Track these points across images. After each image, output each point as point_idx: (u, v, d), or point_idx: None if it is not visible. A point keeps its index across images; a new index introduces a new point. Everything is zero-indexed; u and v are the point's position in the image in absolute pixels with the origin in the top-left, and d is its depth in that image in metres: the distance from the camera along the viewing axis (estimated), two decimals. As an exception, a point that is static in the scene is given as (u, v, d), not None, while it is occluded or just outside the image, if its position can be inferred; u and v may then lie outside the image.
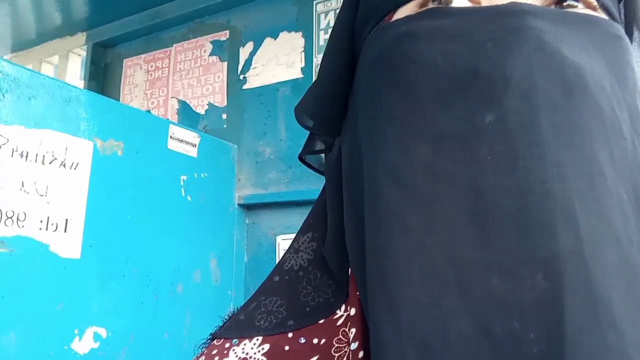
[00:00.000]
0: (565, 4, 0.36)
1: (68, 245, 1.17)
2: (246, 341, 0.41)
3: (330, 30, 1.68)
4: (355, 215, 0.38)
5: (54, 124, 1.14)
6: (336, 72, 0.43)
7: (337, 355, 0.40)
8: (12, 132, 1.05)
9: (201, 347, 0.44)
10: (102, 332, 1.25)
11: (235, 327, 0.43)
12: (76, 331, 1.18)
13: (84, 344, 1.19)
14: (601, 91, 0.32)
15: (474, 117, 0.31)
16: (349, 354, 0.39)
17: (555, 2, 0.36)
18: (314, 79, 0.52)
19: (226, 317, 0.46)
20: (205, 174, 1.59)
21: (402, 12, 0.38)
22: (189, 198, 1.52)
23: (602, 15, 0.37)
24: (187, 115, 1.99)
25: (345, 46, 0.42)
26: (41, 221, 1.11)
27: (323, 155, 0.51)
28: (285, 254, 0.47)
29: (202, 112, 1.95)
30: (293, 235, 0.47)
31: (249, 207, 1.75)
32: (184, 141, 1.52)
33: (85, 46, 2.38)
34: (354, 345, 0.37)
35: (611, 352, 0.27)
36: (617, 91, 0.34)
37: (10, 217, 1.05)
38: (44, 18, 2.28)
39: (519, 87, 0.31)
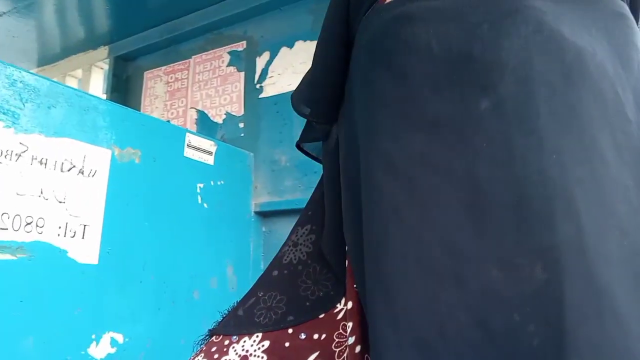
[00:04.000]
0: None
1: (86, 251, 1.19)
2: (246, 338, 0.41)
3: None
4: (352, 205, 0.38)
5: (72, 133, 1.16)
6: (330, 57, 0.41)
7: (337, 350, 0.39)
8: (32, 140, 1.08)
9: (199, 343, 0.44)
10: (119, 337, 1.26)
11: (234, 324, 0.43)
12: (93, 336, 1.20)
13: (100, 349, 1.21)
14: (603, 74, 0.31)
15: (468, 104, 0.30)
16: (347, 348, 0.38)
17: None
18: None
19: (225, 312, 0.45)
20: (222, 182, 1.61)
21: None
22: (205, 205, 1.54)
23: None
24: (205, 125, 2.01)
25: (339, 30, 0.41)
26: (60, 227, 1.14)
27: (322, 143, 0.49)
28: (283, 247, 0.46)
29: (220, 121, 1.97)
30: (310, 243, 0.46)
31: (265, 215, 1.76)
32: (201, 149, 1.54)
33: (107, 59, 2.43)
34: (350, 340, 0.37)
35: (615, 346, 0.26)
36: (621, 73, 0.32)
37: (30, 223, 1.08)
38: (67, 32, 2.34)
39: (515, 72, 0.30)
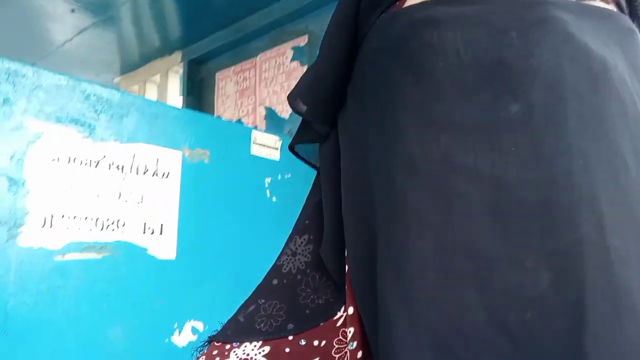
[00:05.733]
0: None
1: (164, 247, 1.29)
2: (247, 343, 0.42)
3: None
4: (356, 208, 0.38)
5: (144, 138, 1.26)
6: (337, 57, 0.41)
7: (337, 356, 0.39)
8: (108, 148, 1.17)
9: (199, 350, 0.44)
10: (200, 325, 1.35)
11: (235, 330, 0.43)
12: (175, 325, 1.29)
13: (183, 337, 1.30)
14: (624, 85, 0.32)
15: (498, 108, 0.30)
16: (348, 355, 0.38)
17: None
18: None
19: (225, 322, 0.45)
20: (289, 175, 1.66)
21: None
22: (274, 199, 1.60)
23: (614, 8, 0.36)
24: (273, 121, 2.08)
25: (348, 29, 0.40)
26: (139, 227, 1.23)
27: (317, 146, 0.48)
28: (282, 255, 0.46)
29: (287, 116, 2.03)
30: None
31: (333, 205, 1.79)
32: (267, 146, 1.60)
33: (182, 64, 2.55)
34: (352, 345, 0.37)
35: (632, 346, 0.26)
36: (637, 85, 0.33)
37: (112, 224, 1.18)
38: (144, 41, 2.49)
39: (546, 78, 0.30)
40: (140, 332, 1.20)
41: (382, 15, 0.38)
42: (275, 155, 1.62)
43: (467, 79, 0.32)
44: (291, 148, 0.50)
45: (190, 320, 1.33)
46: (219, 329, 0.44)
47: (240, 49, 2.32)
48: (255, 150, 1.56)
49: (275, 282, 0.44)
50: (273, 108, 2.09)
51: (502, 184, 0.29)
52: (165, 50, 2.56)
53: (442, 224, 0.30)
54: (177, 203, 1.33)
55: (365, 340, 0.37)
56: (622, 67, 0.33)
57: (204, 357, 0.43)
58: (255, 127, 1.64)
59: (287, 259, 0.45)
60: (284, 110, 2.05)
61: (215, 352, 0.42)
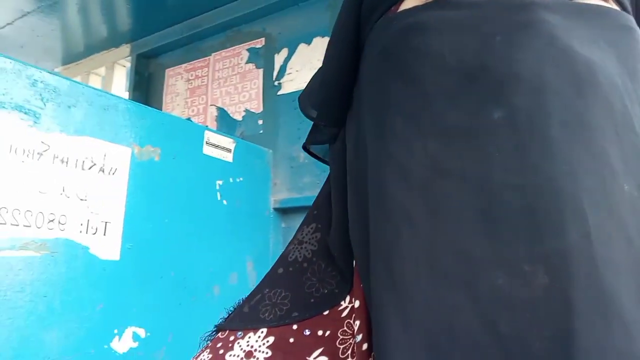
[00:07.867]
0: None
1: (107, 247, 1.22)
2: (251, 333, 0.42)
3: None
4: (358, 207, 0.38)
5: (93, 131, 1.19)
6: (341, 61, 0.42)
7: (342, 347, 0.39)
8: (53, 139, 1.10)
9: (206, 339, 0.44)
10: (141, 332, 1.29)
11: (240, 320, 0.43)
12: (115, 331, 1.22)
13: (123, 343, 1.23)
14: (613, 87, 0.32)
15: (481, 113, 0.31)
16: (353, 346, 0.39)
17: None
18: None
19: (231, 309, 0.46)
20: (241, 179, 1.62)
21: (409, 2, 0.37)
22: (224, 202, 1.56)
23: (614, 5, 0.36)
24: (225, 122, 2.03)
25: (350, 34, 0.41)
26: (81, 224, 1.16)
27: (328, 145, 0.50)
28: (289, 245, 0.47)
29: (240, 118, 1.99)
30: (328, 239, 0.47)
31: (284, 211, 1.76)
32: (220, 147, 1.55)
33: (130, 57, 2.46)
34: (358, 338, 0.37)
35: (620, 354, 0.26)
36: (629, 85, 0.33)
37: (52, 221, 1.10)
38: (90, 31, 2.38)
39: (528, 83, 0.30)
40: (79, 337, 1.13)
41: (379, 19, 0.39)
42: (228, 157, 1.58)
43: (452, 84, 0.32)
44: (305, 148, 0.51)
45: (131, 326, 1.26)
46: (225, 318, 0.44)
47: (192, 47, 2.26)
48: (207, 150, 1.51)
49: (280, 270, 0.45)
50: (226, 109, 2.05)
51: (489, 188, 0.29)
52: (113, 42, 2.46)
53: (431, 226, 0.30)
54: (124, 201, 1.27)
55: (370, 333, 0.37)
56: (612, 68, 0.32)
57: (208, 349, 0.42)
58: (208, 127, 1.59)
59: (293, 248, 0.45)
60: (237, 112, 2.00)
61: (219, 345, 0.42)
